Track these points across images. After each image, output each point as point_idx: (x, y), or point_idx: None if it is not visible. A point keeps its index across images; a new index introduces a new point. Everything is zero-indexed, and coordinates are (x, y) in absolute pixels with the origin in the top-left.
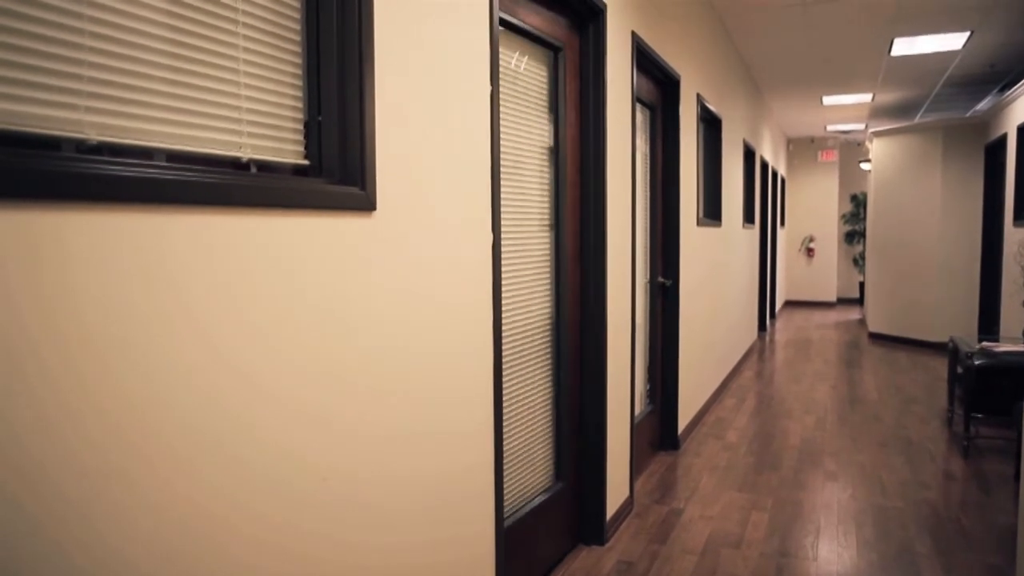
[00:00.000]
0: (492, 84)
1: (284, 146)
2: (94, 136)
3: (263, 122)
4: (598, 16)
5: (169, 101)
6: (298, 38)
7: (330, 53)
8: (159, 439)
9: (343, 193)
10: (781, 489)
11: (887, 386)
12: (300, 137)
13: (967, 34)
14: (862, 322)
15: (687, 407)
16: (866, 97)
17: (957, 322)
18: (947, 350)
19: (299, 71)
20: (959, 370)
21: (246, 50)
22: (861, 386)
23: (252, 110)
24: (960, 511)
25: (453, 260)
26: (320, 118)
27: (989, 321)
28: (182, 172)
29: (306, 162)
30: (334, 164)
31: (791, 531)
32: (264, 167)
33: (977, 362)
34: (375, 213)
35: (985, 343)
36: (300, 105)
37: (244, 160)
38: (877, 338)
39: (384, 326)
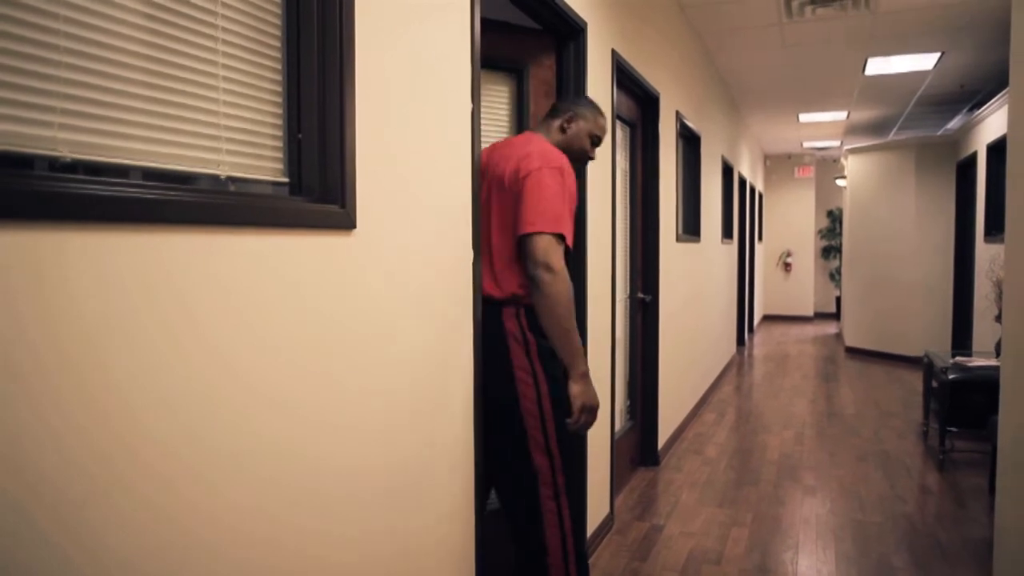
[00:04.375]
0: (473, 102)
1: (263, 164)
2: (68, 154)
3: (242, 139)
4: (579, 34)
5: (146, 118)
6: (278, 55)
7: (310, 70)
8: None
9: (323, 212)
10: (761, 504)
11: (864, 400)
12: (280, 155)
13: (938, 55)
14: (839, 336)
15: (667, 422)
16: (841, 115)
17: (931, 336)
18: (922, 364)
19: (279, 88)
20: (934, 384)
21: (225, 67)
22: (839, 400)
23: (231, 127)
24: (936, 525)
25: (434, 277)
26: (300, 135)
27: (962, 335)
28: (161, 191)
29: (285, 180)
30: (314, 182)
31: (771, 547)
32: (243, 185)
33: (951, 376)
34: (355, 231)
35: (959, 358)
36: (280, 122)
37: (223, 178)
38: (854, 352)
39: (365, 346)
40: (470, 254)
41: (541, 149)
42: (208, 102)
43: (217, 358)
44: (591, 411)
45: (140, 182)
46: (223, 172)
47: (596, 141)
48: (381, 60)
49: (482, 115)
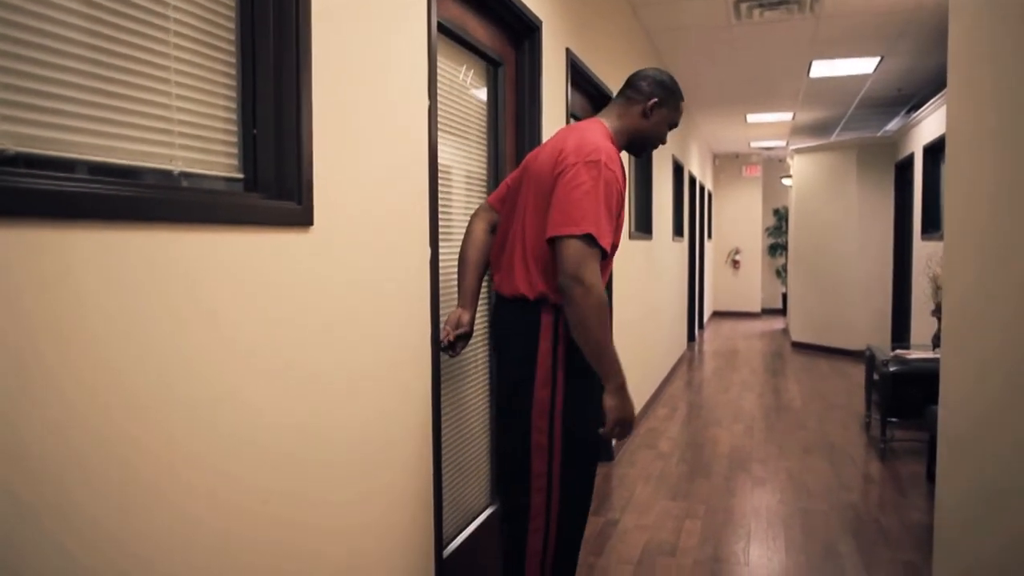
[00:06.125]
0: (430, 99)
1: (217, 159)
2: (11, 147)
3: (196, 134)
4: (534, 32)
5: (93, 111)
6: (233, 48)
7: (266, 63)
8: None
9: (280, 208)
10: (713, 496)
11: (810, 394)
12: (234, 150)
13: (878, 59)
14: (785, 332)
15: None
16: (787, 116)
17: (872, 331)
18: (864, 358)
19: (233, 82)
20: (876, 377)
21: (177, 59)
22: (786, 394)
23: (184, 121)
24: (879, 511)
25: (392, 273)
26: (255, 130)
27: (901, 329)
28: (111, 186)
29: (240, 175)
30: (270, 178)
31: (723, 537)
32: (196, 180)
33: (892, 369)
34: (312, 228)
35: (899, 351)
36: (234, 117)
37: (175, 173)
38: (799, 347)
39: (320, 345)
40: (427, 251)
41: (580, 142)
42: (160, 95)
43: (171, 358)
44: (624, 424)
45: (87, 176)
46: (176, 167)
47: (673, 126)
48: (337, 55)
49: (456, 108)
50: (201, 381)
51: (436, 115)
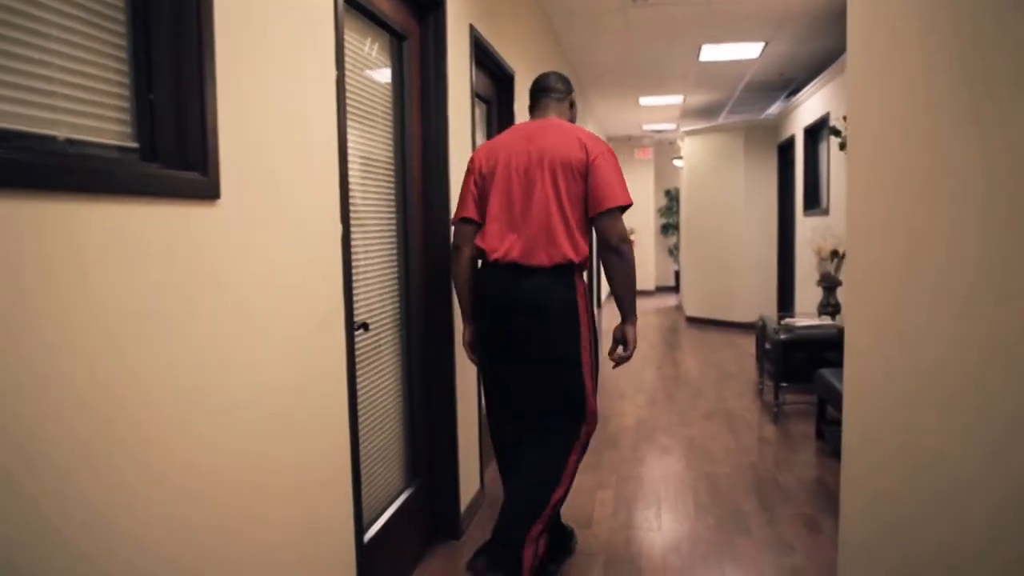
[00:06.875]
0: (338, 69)
1: (109, 126)
2: None
3: (83, 97)
4: (438, 6)
5: None
6: (122, 4)
7: (161, 22)
8: None
9: (183, 179)
10: (622, 466)
11: (706, 365)
12: (127, 116)
13: (762, 44)
14: (679, 308)
15: None
16: (678, 99)
17: (760, 302)
18: (754, 328)
19: (124, 41)
20: (767, 346)
21: (58, 12)
22: (683, 366)
23: (68, 83)
24: (776, 470)
25: (303, 252)
26: (152, 95)
27: (786, 300)
28: None
29: (135, 144)
30: (171, 147)
31: (635, 505)
32: (84, 149)
33: (782, 337)
34: (219, 202)
35: (787, 320)
36: (127, 81)
37: (60, 140)
38: (693, 321)
39: (229, 322)
40: (339, 227)
41: (589, 137)
42: (36, 51)
43: (63, 343)
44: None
45: None
46: (60, 133)
47: None
48: (241, 19)
49: (362, 82)
50: (105, 365)
51: (344, 86)
